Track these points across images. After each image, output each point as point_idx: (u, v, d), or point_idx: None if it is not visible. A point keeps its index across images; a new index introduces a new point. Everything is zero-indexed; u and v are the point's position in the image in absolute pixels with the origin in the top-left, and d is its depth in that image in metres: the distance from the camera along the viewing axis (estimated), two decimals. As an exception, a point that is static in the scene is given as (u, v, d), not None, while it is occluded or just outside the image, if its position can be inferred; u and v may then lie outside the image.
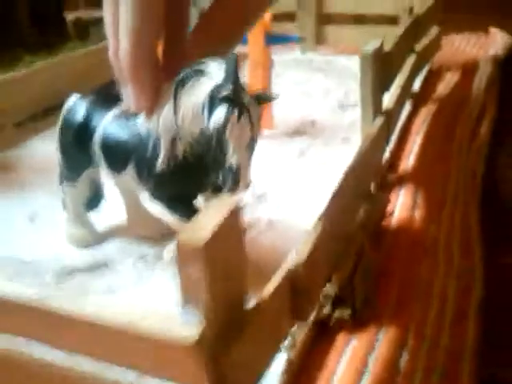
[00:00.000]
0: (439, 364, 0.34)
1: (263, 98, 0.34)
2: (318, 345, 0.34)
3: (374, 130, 0.47)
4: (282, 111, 0.71)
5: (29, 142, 0.73)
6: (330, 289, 0.34)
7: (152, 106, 0.36)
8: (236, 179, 0.33)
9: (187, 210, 0.38)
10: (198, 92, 0.33)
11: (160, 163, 0.36)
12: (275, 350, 0.27)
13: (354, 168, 0.39)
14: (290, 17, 1.05)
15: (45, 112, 0.80)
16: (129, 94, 0.36)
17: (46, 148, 0.70)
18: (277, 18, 0.92)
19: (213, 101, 0.32)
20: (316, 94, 0.84)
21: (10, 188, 0.60)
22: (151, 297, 0.39)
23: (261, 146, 0.66)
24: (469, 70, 0.92)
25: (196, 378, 0.22)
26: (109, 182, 0.44)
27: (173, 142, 0.35)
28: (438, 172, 0.58)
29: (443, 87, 0.85)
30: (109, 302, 0.24)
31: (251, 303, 0.26)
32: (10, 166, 0.65)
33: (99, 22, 1.27)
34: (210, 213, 0.23)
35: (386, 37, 0.90)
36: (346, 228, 0.39)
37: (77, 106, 0.42)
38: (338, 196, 0.36)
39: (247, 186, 0.34)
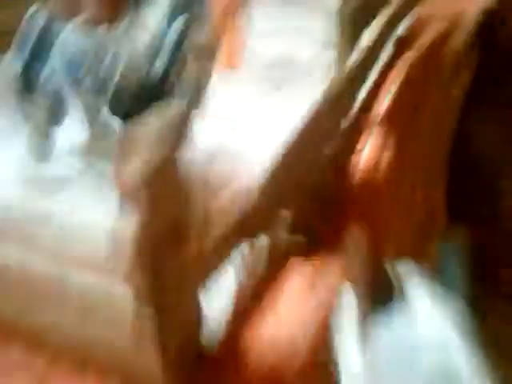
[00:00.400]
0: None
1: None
2: (270, 268, 0.35)
3: (348, 67, 0.47)
4: (258, 45, 0.69)
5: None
6: (285, 214, 0.35)
7: (113, 16, 0.35)
8: (190, 96, 0.34)
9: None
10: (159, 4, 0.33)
11: (117, 78, 0.35)
12: (223, 259, 0.28)
13: (323, 103, 0.39)
14: None
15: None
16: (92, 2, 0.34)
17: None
18: None
19: (173, 12, 0.32)
20: (291, 30, 0.81)
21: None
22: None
23: (237, 78, 0.66)
24: (454, 21, 0.91)
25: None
26: (69, 95, 0.43)
27: (131, 57, 0.34)
28: (411, 117, 0.58)
29: (427, 35, 0.84)
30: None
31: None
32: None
33: None
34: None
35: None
36: (310, 160, 0.39)
37: (36, 16, 0.40)
38: (303, 129, 0.36)
39: (197, 106, 0.35)
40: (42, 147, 0.45)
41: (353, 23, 0.47)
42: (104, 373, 0.28)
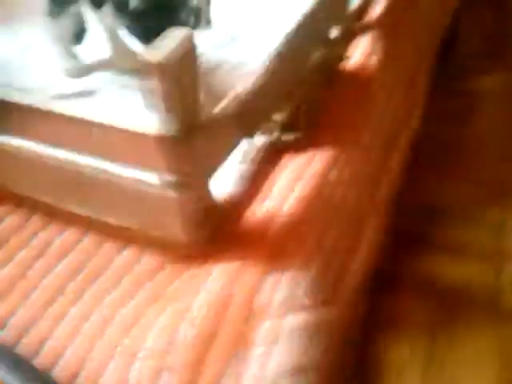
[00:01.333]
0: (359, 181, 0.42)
1: None
2: (267, 162, 0.42)
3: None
4: None
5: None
6: (278, 116, 0.41)
7: None
8: (197, 17, 0.37)
9: None
10: None
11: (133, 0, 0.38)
12: (225, 154, 0.35)
13: (312, 10, 0.44)
14: None
15: None
16: None
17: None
18: None
19: None
20: None
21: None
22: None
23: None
24: None
25: (166, 164, 0.30)
26: (91, 17, 0.49)
27: None
28: (402, 23, 0.62)
29: None
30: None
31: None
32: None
33: None
34: (168, 39, 0.29)
35: None
36: (300, 67, 0.45)
37: None
38: (292, 35, 0.41)
39: (208, 23, 0.38)
40: (70, 66, 0.51)
41: None
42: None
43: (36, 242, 0.38)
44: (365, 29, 0.59)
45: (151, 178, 0.33)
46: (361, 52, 0.55)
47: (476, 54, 0.73)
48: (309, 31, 0.45)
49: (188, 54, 0.29)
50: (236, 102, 0.35)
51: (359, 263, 0.41)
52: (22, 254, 0.37)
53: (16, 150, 0.37)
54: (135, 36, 0.43)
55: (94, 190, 0.35)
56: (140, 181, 0.33)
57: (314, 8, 0.45)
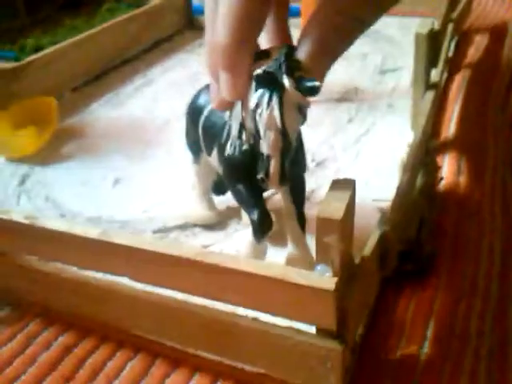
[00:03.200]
0: (490, 309, 0.41)
1: (305, 88, 0.30)
2: (390, 293, 0.41)
3: (427, 105, 0.53)
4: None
5: (88, 107, 0.78)
6: (401, 247, 0.41)
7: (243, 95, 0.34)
8: (266, 169, 0.32)
9: (251, 199, 0.38)
10: None
11: (227, 149, 0.36)
12: (372, 296, 0.34)
13: (417, 144, 0.45)
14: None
15: (98, 77, 0.86)
16: (222, 84, 0.33)
17: (107, 113, 0.76)
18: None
19: (256, 85, 0.32)
20: (354, 58, 0.88)
21: (86, 153, 0.66)
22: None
23: (310, 111, 0.72)
24: (498, 32, 0.96)
25: (326, 316, 0.29)
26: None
27: (240, 128, 0.35)
28: (476, 139, 0.64)
29: (474, 52, 0.89)
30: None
31: (357, 260, 0.33)
32: (78, 132, 0.71)
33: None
34: (337, 193, 0.29)
35: (424, 1, 0.94)
36: (410, 195, 0.45)
37: (197, 94, 0.44)
38: (407, 170, 0.42)
39: (279, 178, 0.33)
40: (205, 214, 0.50)
41: (427, 63, 0.53)
42: None
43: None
44: (444, 147, 0.61)
45: (302, 327, 0.32)
46: (448, 172, 0.56)
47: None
48: (415, 159, 0.46)
49: (352, 205, 0.29)
50: (379, 241, 0.35)
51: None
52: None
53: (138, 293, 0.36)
54: (228, 184, 0.41)
55: (234, 336, 0.34)
56: (291, 330, 0.32)
57: (418, 139, 0.47)
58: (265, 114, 0.31)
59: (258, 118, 0.31)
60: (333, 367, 0.31)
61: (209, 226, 0.49)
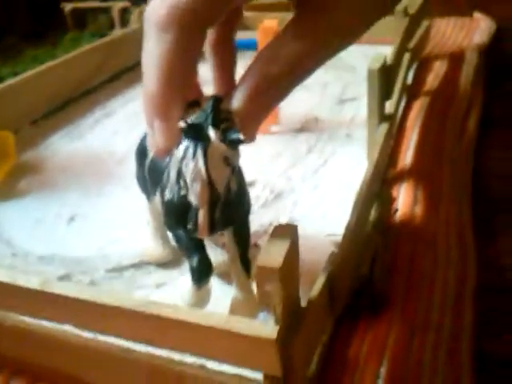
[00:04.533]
0: (444, 342, 0.41)
1: (233, 140, 0.30)
2: (344, 329, 0.41)
3: (381, 137, 0.53)
4: (285, 105, 0.76)
5: (47, 141, 0.77)
6: (353, 283, 0.41)
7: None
8: (194, 219, 0.33)
9: (190, 244, 0.38)
10: None
11: (166, 194, 0.36)
12: (320, 338, 0.34)
13: (370, 176, 0.45)
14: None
15: (58, 109, 0.85)
16: (156, 131, 0.32)
17: (66, 147, 0.75)
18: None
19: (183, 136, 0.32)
20: (314, 87, 0.89)
21: (42, 189, 0.65)
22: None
23: (270, 142, 0.73)
24: (456, 60, 0.98)
25: (271, 364, 0.28)
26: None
27: (178, 175, 0.34)
28: (433, 168, 0.64)
29: (432, 79, 0.91)
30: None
31: (303, 302, 0.32)
32: (35, 167, 0.70)
33: (96, 11, 1.29)
34: (277, 240, 0.29)
35: (384, 29, 0.95)
36: (364, 229, 0.45)
37: (144, 136, 0.44)
38: (358, 204, 0.42)
39: (208, 228, 0.33)
40: (159, 251, 0.50)
41: (380, 96, 0.54)
42: None
43: None
44: (400, 177, 0.62)
45: (251, 374, 0.31)
46: (403, 203, 0.56)
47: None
48: (368, 192, 0.46)
49: (293, 252, 0.29)
50: (325, 285, 0.34)
51: None
52: None
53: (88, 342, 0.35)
54: (167, 228, 0.41)
55: None
56: (237, 378, 0.31)
57: (370, 172, 0.47)
58: (190, 165, 0.31)
59: (184, 169, 0.32)
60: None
61: (163, 264, 0.49)
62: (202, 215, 0.32)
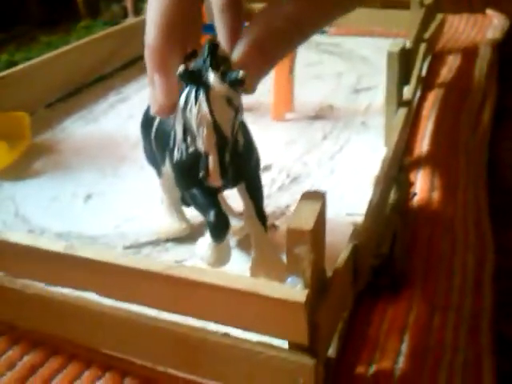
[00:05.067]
0: (464, 322, 0.41)
1: (233, 80, 0.30)
2: (364, 307, 0.41)
3: (400, 121, 0.53)
4: (300, 94, 0.76)
5: (61, 124, 0.77)
6: (374, 261, 0.41)
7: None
8: (205, 166, 0.32)
9: (205, 200, 0.37)
10: None
11: (175, 154, 0.35)
12: (346, 310, 0.34)
13: (390, 160, 0.45)
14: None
15: (72, 93, 0.85)
16: (156, 87, 0.32)
17: (80, 130, 0.75)
18: None
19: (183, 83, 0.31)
20: (329, 77, 0.89)
21: (57, 169, 0.65)
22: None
23: (285, 128, 0.73)
24: (469, 54, 0.98)
25: (298, 330, 0.28)
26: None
27: (184, 131, 0.33)
28: (449, 158, 0.64)
29: (446, 72, 0.91)
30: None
31: (329, 273, 0.32)
32: (50, 149, 0.70)
33: (109, 0, 1.29)
34: (307, 204, 0.29)
35: (398, 22, 0.95)
36: (383, 210, 0.45)
37: (148, 107, 0.43)
38: (379, 184, 0.42)
39: (220, 174, 0.33)
40: (175, 226, 0.50)
41: (399, 81, 0.54)
42: None
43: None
44: (417, 164, 0.61)
45: (274, 342, 0.31)
46: (421, 189, 0.56)
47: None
48: (388, 175, 0.46)
49: (322, 216, 0.29)
50: (349, 258, 0.34)
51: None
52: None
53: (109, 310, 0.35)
54: (180, 190, 0.41)
55: (204, 353, 0.33)
56: (261, 345, 0.31)
57: (390, 154, 0.47)
58: (194, 111, 0.31)
59: (188, 115, 0.31)
60: (306, 382, 0.31)
61: (181, 241, 0.49)
62: (211, 160, 0.32)
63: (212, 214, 0.37)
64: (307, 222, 0.27)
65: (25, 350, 0.40)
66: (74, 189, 0.60)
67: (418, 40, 0.67)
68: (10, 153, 0.65)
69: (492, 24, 1.12)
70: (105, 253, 0.32)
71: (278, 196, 0.56)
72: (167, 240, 0.49)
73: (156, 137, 0.42)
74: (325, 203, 0.30)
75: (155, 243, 0.49)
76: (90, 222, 0.54)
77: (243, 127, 0.36)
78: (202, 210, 0.38)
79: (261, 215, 0.40)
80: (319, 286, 0.29)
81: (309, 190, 0.31)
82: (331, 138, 0.69)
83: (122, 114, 0.79)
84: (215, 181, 0.33)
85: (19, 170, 0.64)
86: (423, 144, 0.66)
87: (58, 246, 0.33)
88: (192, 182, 0.36)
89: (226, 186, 0.37)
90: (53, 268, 0.34)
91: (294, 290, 0.28)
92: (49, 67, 0.82)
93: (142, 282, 0.31)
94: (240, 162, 0.35)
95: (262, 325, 0.29)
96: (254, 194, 0.39)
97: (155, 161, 0.45)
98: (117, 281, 0.32)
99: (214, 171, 0.33)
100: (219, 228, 0.37)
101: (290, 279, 0.28)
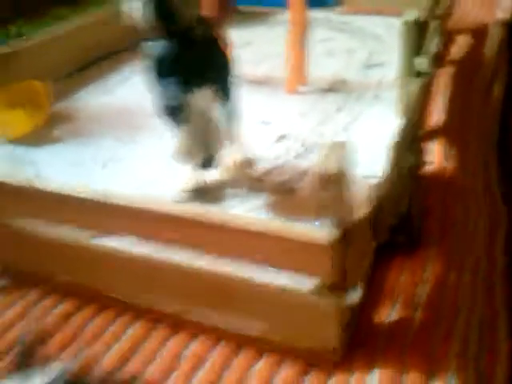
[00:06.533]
0: (479, 282, 0.42)
1: None
2: (382, 264, 0.43)
3: (414, 91, 0.54)
4: (313, 69, 0.77)
5: (78, 93, 0.78)
6: (392, 220, 0.42)
7: None
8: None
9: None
10: None
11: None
12: (367, 261, 0.35)
13: (406, 124, 0.46)
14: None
15: (88, 66, 0.86)
16: None
17: (96, 100, 0.76)
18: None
19: None
20: (340, 53, 0.89)
21: (77, 136, 0.66)
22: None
23: (299, 101, 0.74)
24: (479, 33, 0.98)
25: (324, 269, 0.30)
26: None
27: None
28: (461, 127, 0.65)
29: (457, 49, 0.92)
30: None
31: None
32: (68, 117, 0.71)
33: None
34: (332, 153, 0.30)
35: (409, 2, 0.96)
36: (400, 172, 0.46)
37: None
38: (395, 149, 0.44)
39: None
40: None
41: (412, 50, 0.55)
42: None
43: (165, 352, 0.37)
44: (431, 134, 0.63)
45: (301, 285, 0.33)
46: (436, 157, 0.58)
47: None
48: (404, 141, 0.47)
49: (346, 164, 0.30)
50: (370, 210, 0.36)
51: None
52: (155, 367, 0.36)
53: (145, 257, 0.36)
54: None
55: (234, 297, 0.35)
56: (290, 286, 0.33)
57: (408, 120, 0.48)
58: None
59: None
60: (332, 322, 0.32)
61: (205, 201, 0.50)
62: None
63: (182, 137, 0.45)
64: (335, 166, 0.28)
65: (58, 299, 0.41)
66: (92, 155, 0.61)
67: (430, 15, 0.67)
68: (27, 121, 0.66)
69: (501, 4, 1.12)
70: (140, 200, 0.33)
71: (294, 163, 0.58)
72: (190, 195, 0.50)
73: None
74: (348, 151, 0.31)
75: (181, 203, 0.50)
76: (110, 185, 0.55)
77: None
78: (174, 118, 0.46)
79: (231, 113, 0.47)
80: (345, 229, 0.31)
81: (334, 141, 0.32)
82: (344, 110, 0.70)
83: (136, 86, 0.80)
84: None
85: (40, 137, 0.65)
86: (436, 116, 0.67)
87: (97, 195, 0.34)
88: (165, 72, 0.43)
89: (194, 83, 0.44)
90: (90, 216, 0.35)
91: (323, 231, 0.29)
92: (66, 40, 0.82)
93: (176, 227, 0.33)
94: (205, 58, 0.42)
95: (292, 265, 0.31)
96: (225, 95, 0.46)
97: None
98: (153, 226, 0.34)
99: None
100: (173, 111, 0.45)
101: (317, 222, 0.30)
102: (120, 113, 0.72)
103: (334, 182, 0.27)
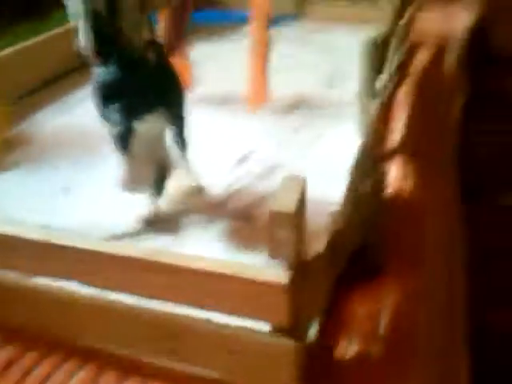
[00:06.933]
0: (438, 309, 0.42)
1: None
2: (341, 293, 0.42)
3: (374, 110, 0.54)
4: (275, 86, 0.76)
5: (35, 115, 0.75)
6: (351, 248, 0.42)
7: None
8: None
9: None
10: None
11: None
12: (324, 295, 0.34)
13: (364, 146, 0.46)
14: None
15: (47, 84, 0.83)
16: None
17: (52, 122, 0.74)
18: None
19: None
20: (303, 68, 0.89)
21: (34, 162, 0.64)
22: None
23: (262, 120, 0.73)
24: (440, 45, 1.00)
25: (280, 311, 0.29)
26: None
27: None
28: (421, 146, 0.66)
29: (419, 62, 0.92)
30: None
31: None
32: (24, 142, 0.69)
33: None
34: (287, 189, 0.29)
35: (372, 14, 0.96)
36: (360, 199, 0.46)
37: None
38: (354, 172, 0.43)
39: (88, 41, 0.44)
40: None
41: (373, 69, 0.55)
42: None
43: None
44: (391, 153, 0.63)
45: (256, 327, 0.32)
46: (396, 177, 0.57)
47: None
48: (363, 163, 0.47)
49: (303, 201, 0.30)
50: (329, 240, 0.35)
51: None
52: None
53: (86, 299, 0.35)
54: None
55: (187, 339, 0.34)
56: (244, 329, 0.32)
57: (366, 142, 0.48)
58: None
59: None
60: (287, 365, 0.31)
61: (160, 231, 0.49)
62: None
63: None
64: (290, 206, 0.28)
65: (2, 345, 0.39)
66: (50, 182, 0.60)
67: (391, 31, 0.67)
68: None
69: (461, 17, 1.14)
70: (84, 241, 0.32)
71: (253, 187, 0.57)
72: (145, 229, 0.49)
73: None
74: (305, 188, 0.30)
75: (133, 234, 0.49)
76: (68, 215, 0.53)
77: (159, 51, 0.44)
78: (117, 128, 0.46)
79: (182, 139, 0.48)
80: (300, 268, 0.30)
81: (290, 175, 0.31)
82: (306, 130, 0.70)
83: (91, 107, 0.78)
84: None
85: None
86: (397, 134, 0.67)
87: (38, 235, 0.32)
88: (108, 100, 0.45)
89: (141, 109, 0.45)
90: (33, 258, 0.34)
91: (278, 273, 0.28)
92: (22, 59, 0.80)
93: (122, 268, 0.31)
94: (153, 84, 0.42)
95: (246, 308, 0.30)
96: (176, 121, 0.47)
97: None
98: (98, 269, 0.32)
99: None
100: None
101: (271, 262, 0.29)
102: (78, 134, 0.70)
103: (289, 222, 0.27)
